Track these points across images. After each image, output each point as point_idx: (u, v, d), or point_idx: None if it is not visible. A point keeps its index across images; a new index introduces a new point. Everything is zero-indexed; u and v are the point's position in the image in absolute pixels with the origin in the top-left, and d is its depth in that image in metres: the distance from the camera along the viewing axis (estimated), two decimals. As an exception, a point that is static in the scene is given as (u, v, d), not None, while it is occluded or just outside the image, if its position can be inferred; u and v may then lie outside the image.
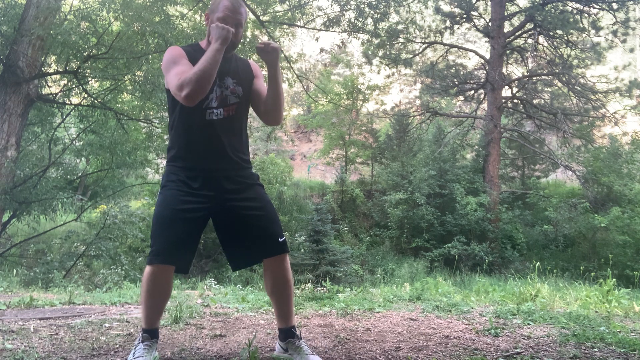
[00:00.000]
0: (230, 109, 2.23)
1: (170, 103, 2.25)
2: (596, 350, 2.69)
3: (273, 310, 2.42)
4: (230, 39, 2.11)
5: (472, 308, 4.08)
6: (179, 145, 2.22)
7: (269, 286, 2.33)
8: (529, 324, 3.43)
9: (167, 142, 13.86)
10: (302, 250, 12.42)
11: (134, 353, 2.18)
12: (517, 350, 2.64)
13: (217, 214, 2.24)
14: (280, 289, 2.32)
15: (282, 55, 14.80)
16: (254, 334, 2.85)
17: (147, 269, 2.15)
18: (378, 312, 3.76)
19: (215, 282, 5.79)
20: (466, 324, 3.35)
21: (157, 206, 2.19)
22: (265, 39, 12.74)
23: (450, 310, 3.87)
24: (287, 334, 2.32)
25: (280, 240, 2.26)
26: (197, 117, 2.17)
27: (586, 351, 2.66)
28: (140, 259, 11.15)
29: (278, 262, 2.27)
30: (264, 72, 2.55)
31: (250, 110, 2.40)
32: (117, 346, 2.58)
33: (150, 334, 2.23)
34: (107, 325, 3.10)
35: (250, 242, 2.24)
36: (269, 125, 2.57)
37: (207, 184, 2.19)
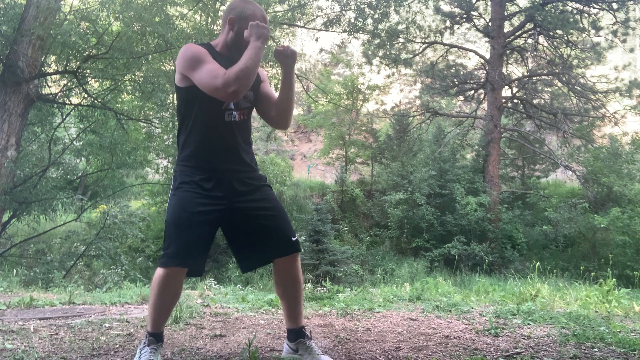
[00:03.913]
0: (242, 113, 2.25)
1: (184, 102, 2.21)
2: (596, 350, 2.69)
3: (282, 310, 2.42)
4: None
5: (472, 308, 4.08)
6: (194, 145, 2.20)
7: (281, 286, 2.33)
8: (529, 324, 3.43)
9: (166, 142, 13.88)
10: (302, 250, 12.39)
11: (139, 357, 2.16)
12: (517, 350, 2.64)
13: (228, 216, 2.23)
14: (292, 289, 2.32)
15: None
16: (254, 334, 2.85)
17: (161, 271, 2.12)
18: (378, 312, 3.76)
19: (215, 282, 5.79)
20: (466, 324, 3.35)
21: (172, 208, 2.16)
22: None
23: (450, 310, 3.87)
24: (298, 335, 2.33)
25: (293, 239, 2.26)
26: (217, 118, 2.17)
27: (586, 351, 2.66)
28: (140, 259, 11.14)
29: (290, 261, 2.28)
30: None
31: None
32: (117, 346, 2.59)
33: (156, 337, 2.21)
34: (107, 325, 3.10)
35: (263, 243, 2.23)
36: (277, 129, 2.59)
37: (219, 185, 2.18)
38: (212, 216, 2.16)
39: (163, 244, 2.17)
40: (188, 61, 2.10)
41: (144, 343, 2.20)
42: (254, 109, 2.36)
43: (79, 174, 13.68)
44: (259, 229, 2.22)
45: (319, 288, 5.00)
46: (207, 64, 2.07)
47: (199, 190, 2.15)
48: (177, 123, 2.34)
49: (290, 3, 13.81)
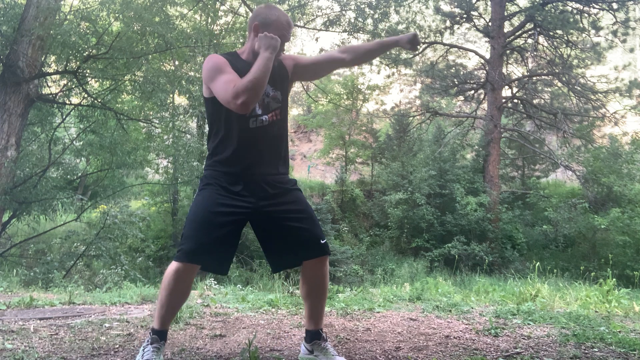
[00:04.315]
0: (274, 115, 2.26)
1: (212, 112, 2.25)
2: (596, 350, 2.69)
3: (303, 310, 2.44)
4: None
5: (472, 308, 4.08)
6: (222, 152, 2.23)
7: (306, 288, 2.35)
8: (529, 324, 3.43)
9: (166, 142, 13.90)
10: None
11: (142, 355, 2.17)
12: (517, 350, 2.64)
13: (256, 219, 2.25)
14: (317, 291, 2.34)
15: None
16: (254, 334, 2.86)
17: (173, 265, 2.15)
18: (378, 312, 3.76)
19: (215, 282, 5.77)
20: (466, 324, 3.35)
21: (193, 206, 2.22)
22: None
23: (450, 310, 3.87)
24: (314, 336, 2.35)
25: (322, 242, 2.28)
26: (242, 125, 2.19)
27: (586, 351, 2.66)
28: (140, 259, 11.13)
29: (319, 264, 2.30)
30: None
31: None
32: (117, 346, 2.59)
33: (160, 335, 2.22)
34: (107, 325, 3.10)
35: (293, 246, 2.26)
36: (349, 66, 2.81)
37: (247, 188, 2.21)
38: (233, 217, 2.17)
39: (180, 239, 2.21)
40: (208, 73, 2.14)
41: (147, 341, 2.21)
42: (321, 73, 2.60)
43: (79, 174, 13.67)
44: (288, 231, 2.24)
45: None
46: (224, 75, 2.09)
47: (223, 192, 2.19)
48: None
49: (290, 3, 13.80)
